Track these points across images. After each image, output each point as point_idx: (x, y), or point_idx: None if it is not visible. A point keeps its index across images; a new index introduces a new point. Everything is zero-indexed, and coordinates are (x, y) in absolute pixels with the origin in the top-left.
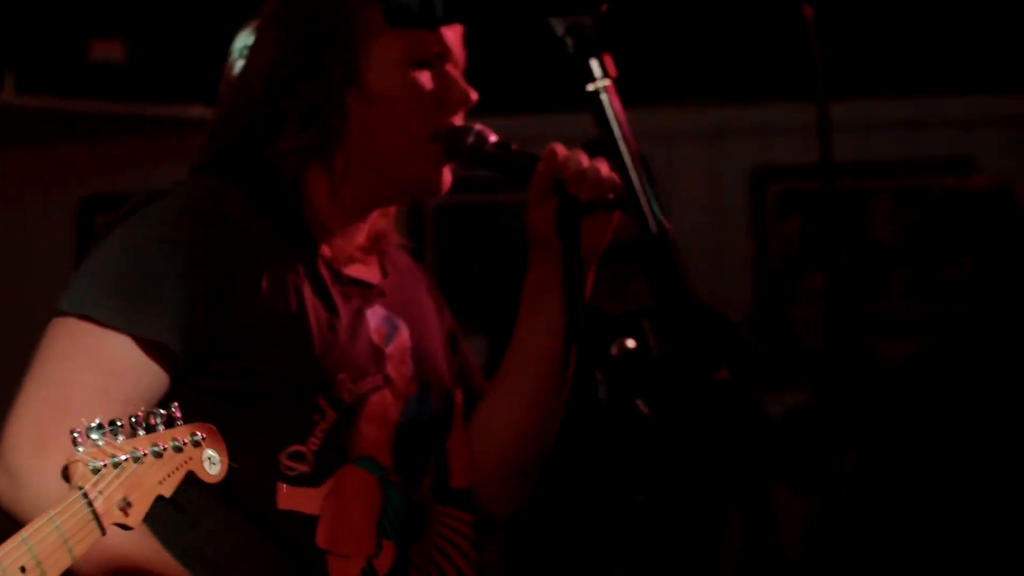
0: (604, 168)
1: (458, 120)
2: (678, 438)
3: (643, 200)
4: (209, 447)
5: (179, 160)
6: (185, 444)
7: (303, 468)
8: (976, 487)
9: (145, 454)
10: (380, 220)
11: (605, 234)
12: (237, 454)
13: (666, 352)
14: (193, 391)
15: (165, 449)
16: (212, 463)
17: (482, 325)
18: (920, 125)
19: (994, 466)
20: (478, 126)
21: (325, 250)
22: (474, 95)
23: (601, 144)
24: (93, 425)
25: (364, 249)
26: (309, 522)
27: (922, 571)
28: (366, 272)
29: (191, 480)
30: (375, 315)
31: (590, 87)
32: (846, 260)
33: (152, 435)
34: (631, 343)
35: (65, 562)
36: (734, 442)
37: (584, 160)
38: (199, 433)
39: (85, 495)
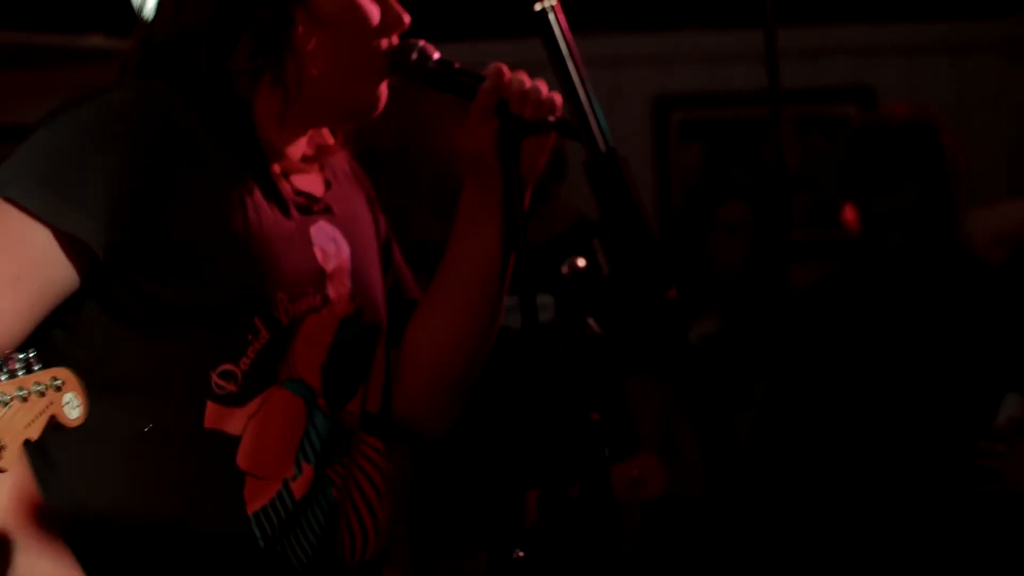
0: (545, 89)
1: (394, 41)
2: (630, 356)
3: (591, 119)
4: (68, 390)
5: (72, 91)
6: (47, 388)
7: (231, 387)
8: (878, 407)
9: (12, 398)
10: (316, 135)
11: (541, 156)
12: (169, 367)
13: (616, 270)
14: (128, 292)
15: (29, 393)
16: (72, 407)
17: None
18: (820, 53)
19: (894, 387)
20: (421, 42)
21: (276, 168)
22: (407, 18)
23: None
24: None
25: (308, 159)
26: (231, 442)
27: (833, 492)
28: (309, 183)
29: (53, 424)
30: (319, 232)
31: (537, 6)
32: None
33: (15, 380)
34: (581, 262)
35: None
36: (684, 357)
37: (527, 80)
38: (59, 377)
39: None
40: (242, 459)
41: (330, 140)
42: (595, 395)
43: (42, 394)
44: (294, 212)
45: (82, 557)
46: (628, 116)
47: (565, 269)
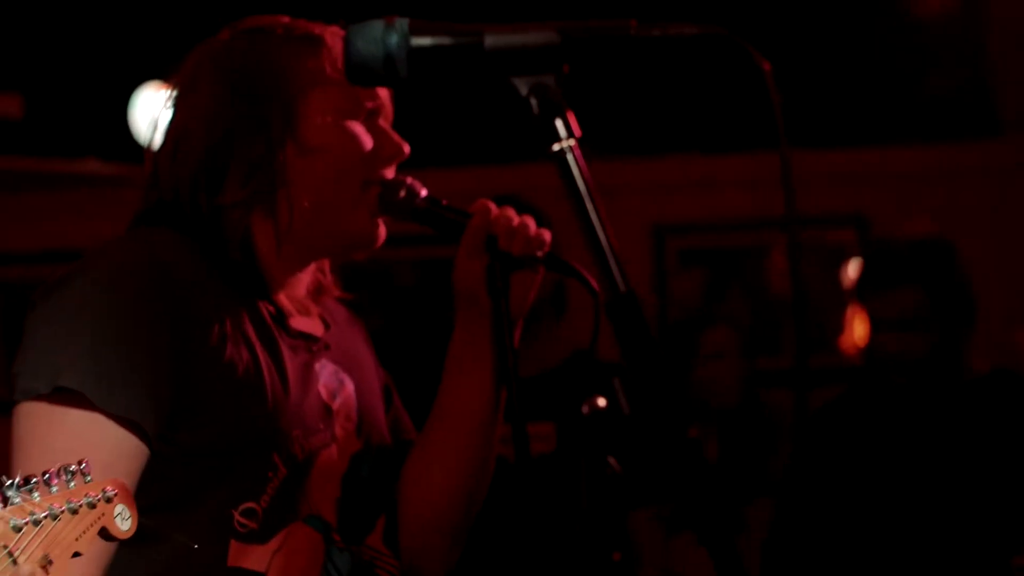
0: (533, 225)
1: (390, 173)
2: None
3: (611, 259)
4: (120, 502)
5: (74, 214)
6: (98, 500)
7: (252, 525)
8: (894, 529)
9: (62, 511)
10: (317, 273)
11: (531, 291)
12: (193, 509)
13: (637, 411)
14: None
15: (80, 506)
16: (123, 519)
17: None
18: (813, 179)
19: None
20: (409, 179)
21: (283, 300)
22: (406, 148)
23: (516, 200)
24: (9, 482)
25: (306, 301)
26: None
27: None
28: (309, 325)
29: (104, 536)
30: (323, 369)
31: (556, 147)
32: (744, 316)
33: (66, 492)
34: (602, 401)
35: None
36: (707, 496)
37: (515, 216)
38: (110, 489)
39: (10, 553)
40: None
41: (328, 280)
42: (615, 533)
43: (93, 506)
44: (296, 347)
45: None
46: (626, 243)
47: (586, 409)
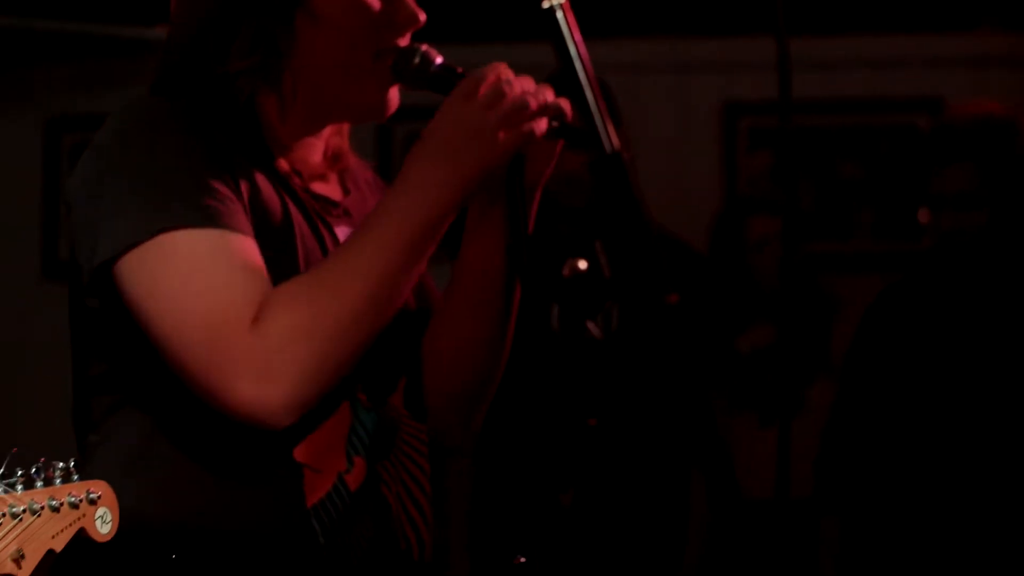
0: (550, 94)
1: (404, 41)
2: (630, 361)
3: (598, 120)
4: (103, 505)
5: (143, 81)
6: (80, 500)
7: None
8: (949, 413)
9: (43, 507)
10: (335, 138)
11: (548, 162)
12: None
13: (618, 274)
14: None
15: (62, 504)
16: (104, 522)
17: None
18: (887, 64)
19: (964, 394)
20: (424, 46)
21: (284, 165)
22: (422, 16)
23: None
24: None
25: (323, 167)
26: (286, 434)
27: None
28: (328, 189)
29: (81, 537)
30: (343, 234)
31: (545, 4)
32: (806, 199)
33: (50, 488)
34: (583, 264)
35: None
36: (683, 364)
37: (532, 84)
38: (94, 491)
39: None
40: (299, 452)
41: (346, 143)
42: (594, 399)
43: (75, 506)
44: (316, 210)
45: (138, 550)
46: (696, 123)
47: (566, 271)
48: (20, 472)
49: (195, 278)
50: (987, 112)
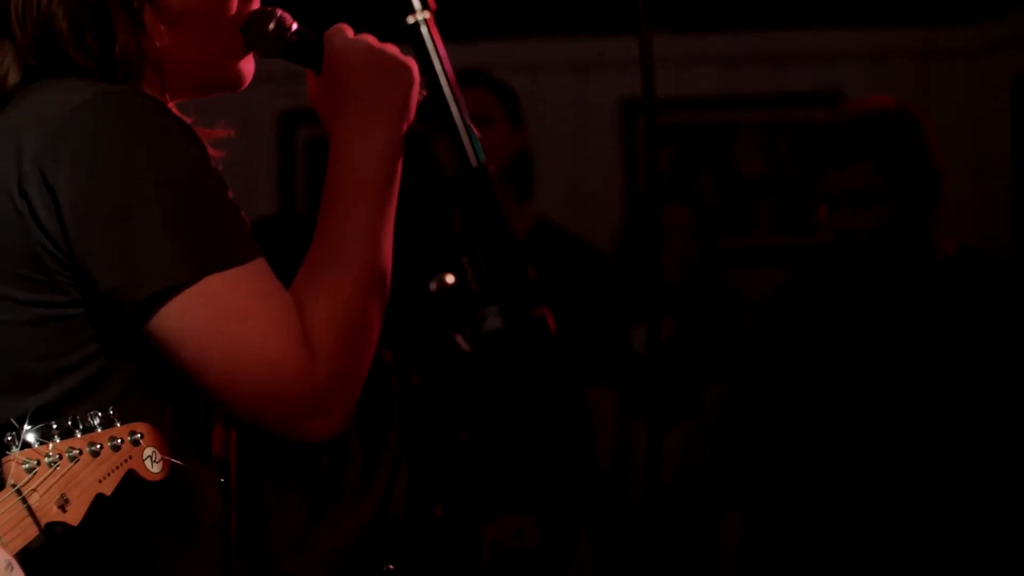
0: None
1: (255, 4)
2: (498, 375)
3: (463, 135)
4: (149, 445)
5: None
6: (123, 442)
7: None
8: (840, 407)
9: (81, 452)
10: None
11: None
12: None
13: (485, 288)
14: None
15: (102, 448)
16: (153, 461)
17: None
18: (787, 58)
19: (857, 388)
20: (279, 11)
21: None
22: None
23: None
24: (29, 428)
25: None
26: None
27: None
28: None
29: (132, 478)
30: None
31: (410, 19)
32: (709, 194)
33: (90, 435)
34: (450, 279)
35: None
36: (550, 377)
37: (374, 41)
38: (138, 432)
39: (19, 491)
40: None
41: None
42: (465, 413)
43: (116, 448)
44: None
45: None
46: (595, 120)
47: (434, 286)
48: (56, 425)
49: (248, 325)
50: (880, 107)
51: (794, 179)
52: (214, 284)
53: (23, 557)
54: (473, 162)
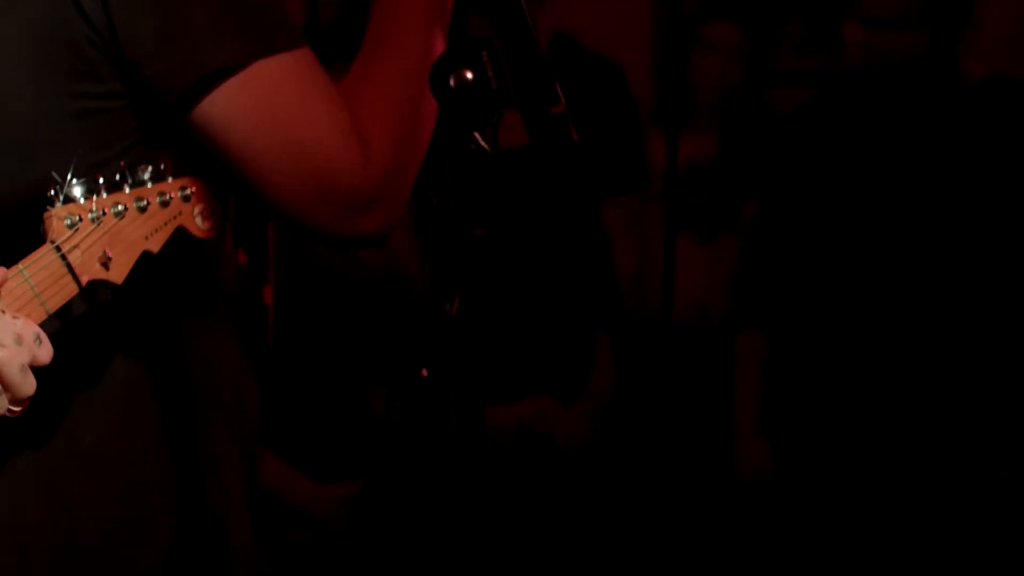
0: None
1: None
2: (515, 173)
3: None
4: (199, 202)
5: None
6: (172, 198)
7: None
8: (866, 225)
9: (127, 208)
10: None
11: None
12: None
13: (504, 84)
14: None
15: (150, 203)
16: (204, 218)
17: None
18: None
19: (885, 212)
20: None
21: None
22: None
23: None
24: (74, 182)
25: None
26: None
27: (824, 311)
28: None
29: (181, 234)
30: None
31: None
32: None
33: (137, 189)
34: (469, 75)
35: (38, 315)
36: (566, 172)
37: None
38: (189, 188)
39: (58, 248)
40: None
41: None
42: (482, 211)
43: (165, 204)
44: None
45: None
46: None
47: (452, 82)
48: (103, 179)
49: (299, 110)
50: None
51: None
52: (265, 68)
53: (60, 316)
54: None
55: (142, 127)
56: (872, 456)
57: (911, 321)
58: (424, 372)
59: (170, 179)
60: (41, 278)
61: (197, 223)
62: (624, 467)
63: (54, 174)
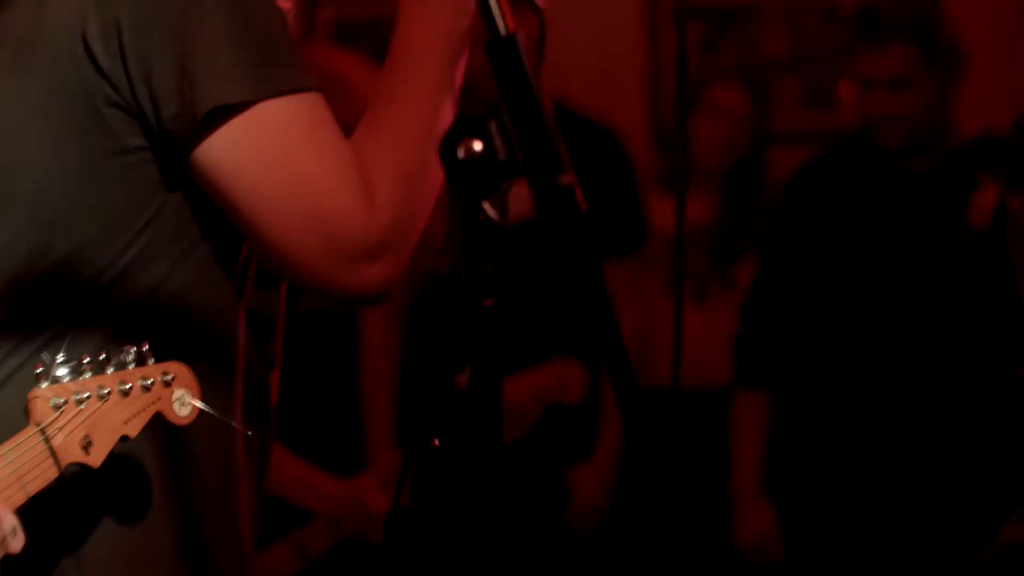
0: None
1: None
2: (525, 245)
3: (493, 2)
4: (180, 387)
5: None
6: (154, 383)
7: None
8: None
9: (111, 392)
10: None
11: None
12: None
13: (513, 155)
14: None
15: (132, 387)
16: (182, 404)
17: None
18: None
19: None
20: None
21: None
22: None
23: None
24: (60, 360)
25: None
26: None
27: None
28: None
29: (159, 421)
30: None
31: None
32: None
33: (121, 372)
34: (477, 145)
35: (18, 499)
36: (574, 242)
37: None
38: (170, 373)
39: (43, 431)
40: None
41: None
42: (490, 281)
43: (147, 389)
44: None
45: None
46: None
47: (461, 153)
48: (88, 359)
49: (307, 156)
50: None
51: (817, 57)
52: (274, 108)
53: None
54: (503, 29)
55: (167, 183)
56: (879, 522)
57: (915, 382)
58: (436, 442)
59: (151, 362)
60: (24, 461)
61: (175, 409)
62: (635, 538)
63: (43, 355)
